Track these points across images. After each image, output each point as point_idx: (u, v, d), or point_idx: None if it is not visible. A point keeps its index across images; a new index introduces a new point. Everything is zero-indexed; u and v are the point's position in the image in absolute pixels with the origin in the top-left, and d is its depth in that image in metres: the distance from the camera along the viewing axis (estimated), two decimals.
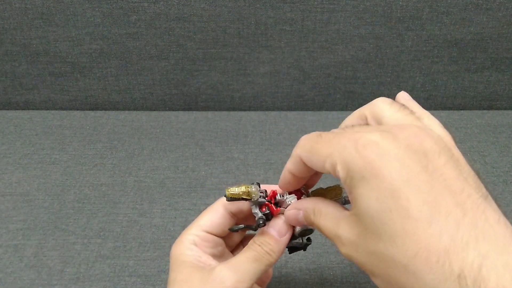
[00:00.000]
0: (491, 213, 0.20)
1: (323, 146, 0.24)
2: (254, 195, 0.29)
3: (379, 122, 0.26)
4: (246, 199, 0.29)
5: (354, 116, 0.28)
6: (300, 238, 0.31)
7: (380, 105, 0.26)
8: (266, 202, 0.30)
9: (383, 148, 0.21)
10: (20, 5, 0.59)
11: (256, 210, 0.29)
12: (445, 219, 0.20)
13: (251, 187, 0.29)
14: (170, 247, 0.44)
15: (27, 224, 0.47)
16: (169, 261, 0.44)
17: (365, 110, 0.27)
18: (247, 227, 0.30)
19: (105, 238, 0.46)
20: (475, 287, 0.18)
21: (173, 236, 0.46)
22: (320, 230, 0.26)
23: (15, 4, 0.59)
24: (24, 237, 0.46)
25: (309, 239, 0.32)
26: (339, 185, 0.29)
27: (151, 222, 0.48)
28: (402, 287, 0.21)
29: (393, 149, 0.21)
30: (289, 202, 0.30)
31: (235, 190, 0.29)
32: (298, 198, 0.30)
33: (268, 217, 0.30)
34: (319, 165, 0.24)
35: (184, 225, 0.47)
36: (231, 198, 0.29)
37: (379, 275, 0.22)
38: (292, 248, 0.32)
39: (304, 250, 0.32)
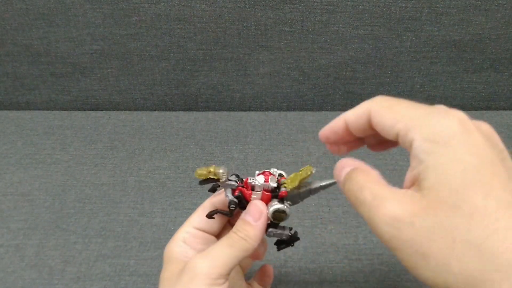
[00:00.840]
0: None
1: (404, 108, 0.23)
2: (221, 174, 0.29)
3: None
4: (214, 180, 0.30)
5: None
6: (282, 227, 0.31)
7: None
8: (239, 187, 0.30)
9: (470, 127, 0.21)
10: (21, 6, 0.60)
11: (228, 194, 0.30)
12: None
13: (219, 168, 0.29)
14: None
15: (28, 224, 0.47)
16: None
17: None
18: (221, 212, 0.31)
19: (106, 237, 0.46)
20: None
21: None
22: (358, 193, 0.23)
23: (16, 5, 0.60)
24: (25, 237, 0.46)
25: (296, 233, 0.31)
26: (309, 166, 0.30)
27: (151, 221, 0.48)
28: (461, 269, 0.19)
29: (477, 132, 0.21)
30: (258, 183, 0.30)
31: (202, 169, 0.29)
32: (266, 180, 0.30)
33: (242, 202, 0.30)
34: (390, 123, 0.23)
35: None
36: (203, 181, 0.30)
37: (432, 253, 0.20)
38: (279, 242, 0.32)
39: (292, 245, 0.32)
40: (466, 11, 0.61)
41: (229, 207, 0.30)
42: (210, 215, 0.31)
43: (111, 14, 0.60)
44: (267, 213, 0.30)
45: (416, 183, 0.21)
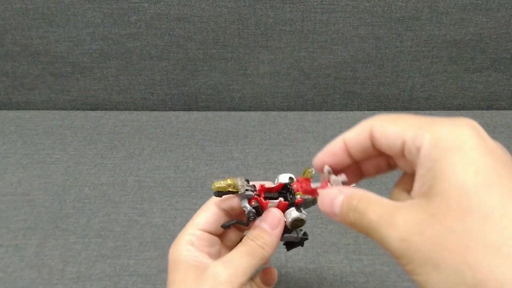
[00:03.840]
0: None
1: (410, 119, 0.23)
2: (240, 187, 0.28)
3: None
4: (232, 192, 0.29)
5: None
6: (295, 231, 0.31)
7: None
8: (255, 196, 0.29)
9: (481, 133, 0.21)
10: (21, 5, 0.60)
11: (245, 204, 0.29)
12: None
13: (236, 179, 0.29)
14: (170, 246, 0.45)
15: (27, 224, 0.47)
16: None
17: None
18: (238, 222, 0.30)
19: (106, 237, 0.46)
20: None
21: (173, 235, 0.46)
22: (361, 217, 0.22)
23: (15, 5, 0.60)
24: (25, 237, 0.46)
25: (305, 234, 0.31)
26: (308, 168, 0.29)
27: (151, 221, 0.48)
28: (480, 279, 0.17)
29: (490, 138, 0.21)
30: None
31: (220, 183, 0.29)
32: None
33: (259, 211, 0.30)
34: (395, 134, 0.22)
35: (184, 225, 0.47)
36: (218, 193, 0.29)
37: (445, 262, 0.18)
38: (289, 243, 0.32)
39: (302, 245, 0.32)
40: (466, 11, 0.61)
41: (248, 218, 0.29)
42: (227, 226, 0.31)
43: (110, 14, 0.60)
44: (285, 221, 0.30)
45: (424, 192, 0.20)
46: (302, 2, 0.59)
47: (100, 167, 0.55)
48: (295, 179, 0.31)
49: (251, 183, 0.30)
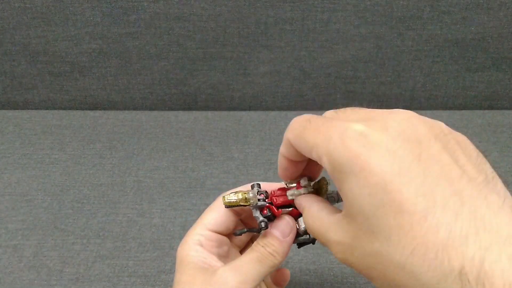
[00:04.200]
0: (494, 198, 0.19)
1: (310, 134, 0.23)
2: (252, 201, 0.28)
3: None
4: (244, 206, 0.28)
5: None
6: (307, 234, 0.30)
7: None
8: (267, 205, 0.29)
9: (371, 140, 0.20)
10: (20, 4, 0.59)
11: (257, 214, 0.29)
12: (442, 211, 0.18)
13: (248, 193, 0.28)
14: (170, 247, 0.45)
15: (26, 224, 0.47)
16: (168, 261, 0.44)
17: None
18: (250, 230, 0.30)
19: (105, 238, 0.46)
20: (479, 284, 0.17)
21: (173, 236, 0.46)
22: (313, 235, 0.26)
23: (14, 4, 0.59)
24: (24, 237, 0.46)
25: None
26: (324, 178, 0.29)
27: (150, 222, 0.47)
28: None
29: (383, 140, 0.20)
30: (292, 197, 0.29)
31: (232, 198, 0.28)
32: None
33: (270, 218, 0.29)
34: (307, 152, 0.23)
35: (184, 225, 0.47)
36: (229, 206, 0.29)
37: (378, 278, 0.20)
38: (300, 243, 0.31)
39: (313, 243, 0.31)
40: (468, 10, 0.60)
41: (260, 228, 0.29)
42: (238, 234, 0.30)
43: (109, 13, 0.60)
44: (298, 228, 0.29)
45: (344, 206, 0.22)
46: (303, 1, 0.59)
47: (99, 167, 0.55)
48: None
49: (262, 185, 0.30)
